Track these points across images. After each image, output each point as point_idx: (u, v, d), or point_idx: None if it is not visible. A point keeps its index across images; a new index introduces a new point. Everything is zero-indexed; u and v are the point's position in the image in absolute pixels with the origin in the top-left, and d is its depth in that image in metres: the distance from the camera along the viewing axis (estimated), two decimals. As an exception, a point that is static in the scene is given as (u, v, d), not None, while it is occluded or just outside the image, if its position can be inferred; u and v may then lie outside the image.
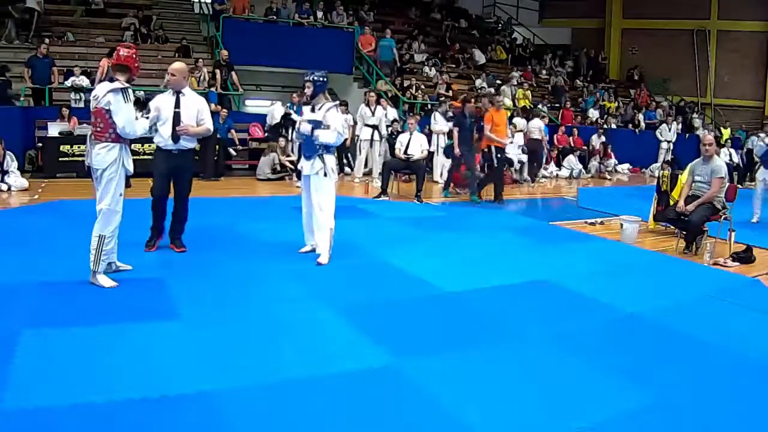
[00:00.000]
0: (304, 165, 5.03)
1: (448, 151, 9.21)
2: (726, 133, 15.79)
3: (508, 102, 14.26)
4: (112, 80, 4.02)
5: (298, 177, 9.77)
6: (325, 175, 4.93)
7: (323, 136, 4.87)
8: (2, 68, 9.94)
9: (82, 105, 10.02)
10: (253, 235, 5.80)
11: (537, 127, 12.16)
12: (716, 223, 6.15)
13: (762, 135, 8.70)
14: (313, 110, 5.00)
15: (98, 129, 3.99)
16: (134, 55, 4.13)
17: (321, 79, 4.99)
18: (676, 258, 5.89)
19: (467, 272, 4.86)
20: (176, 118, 4.76)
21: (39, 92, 10.30)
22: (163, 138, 4.79)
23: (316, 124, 4.91)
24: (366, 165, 11.10)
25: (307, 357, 3.11)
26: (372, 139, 10.63)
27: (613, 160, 14.28)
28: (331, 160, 5.00)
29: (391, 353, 3.21)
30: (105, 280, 4.03)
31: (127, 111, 3.98)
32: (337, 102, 5.16)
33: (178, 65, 4.89)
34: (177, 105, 4.78)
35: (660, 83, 18.83)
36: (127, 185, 4.23)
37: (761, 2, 17.86)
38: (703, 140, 6.25)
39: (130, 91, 4.03)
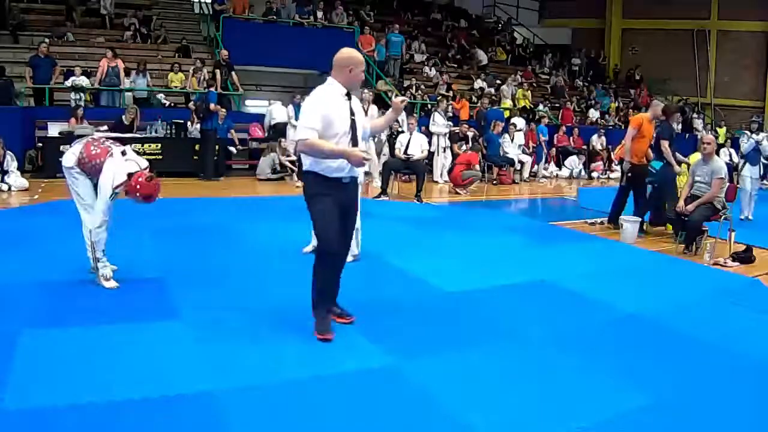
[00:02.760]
0: None
1: (664, 173, 6.82)
2: (722, 132, 15.80)
3: (509, 102, 14.27)
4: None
5: (300, 177, 9.83)
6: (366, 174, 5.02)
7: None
8: (1, 69, 9.95)
9: (82, 105, 10.04)
10: (253, 235, 5.80)
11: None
12: (716, 223, 6.15)
13: (747, 133, 8.71)
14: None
15: None
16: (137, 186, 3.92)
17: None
18: (676, 258, 5.89)
19: (467, 272, 4.85)
20: (354, 129, 3.30)
21: (39, 92, 10.31)
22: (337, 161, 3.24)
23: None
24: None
25: (307, 357, 3.11)
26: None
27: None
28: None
29: (391, 353, 3.21)
30: (108, 282, 4.04)
31: (104, 194, 3.88)
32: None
33: (355, 53, 3.40)
34: (352, 111, 3.32)
35: (660, 83, 18.83)
36: None
37: (761, 2, 17.85)
38: (703, 139, 6.29)
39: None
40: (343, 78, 3.31)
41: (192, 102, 10.88)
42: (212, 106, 9.65)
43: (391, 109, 3.54)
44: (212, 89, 10.14)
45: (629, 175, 6.93)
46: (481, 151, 10.79)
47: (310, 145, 3.16)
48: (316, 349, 3.22)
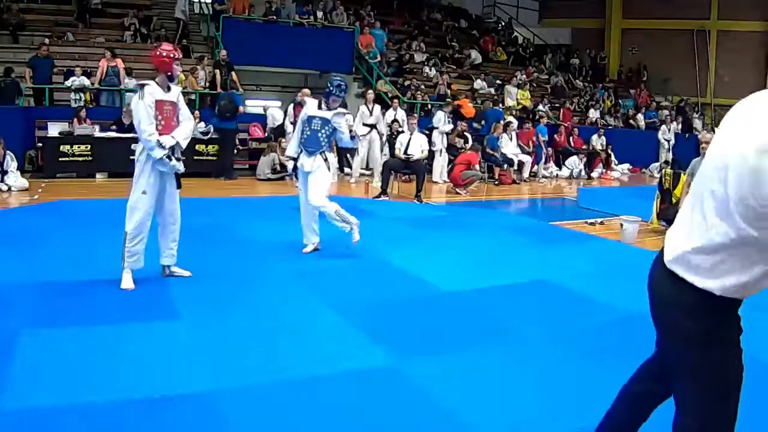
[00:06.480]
0: (305, 162, 5.04)
1: None
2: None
3: (511, 102, 14.28)
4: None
5: (297, 177, 9.83)
6: (328, 169, 5.04)
7: (343, 126, 5.02)
8: (7, 69, 9.96)
9: (82, 104, 10.05)
10: (253, 235, 5.80)
11: None
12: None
13: None
14: (320, 107, 5.03)
15: None
16: (158, 53, 4.10)
17: (344, 87, 5.08)
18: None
19: (467, 272, 4.85)
20: None
21: (39, 92, 10.31)
22: None
23: (324, 122, 4.97)
24: (367, 165, 11.07)
25: (307, 357, 3.11)
26: (371, 138, 10.59)
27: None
28: (331, 157, 5.16)
29: (391, 353, 3.21)
30: (125, 281, 4.04)
31: (135, 110, 4.00)
32: (348, 112, 5.31)
33: None
34: None
35: (660, 83, 18.83)
36: (178, 186, 4.21)
37: (761, 2, 17.84)
38: (702, 139, 6.27)
39: (145, 90, 3.98)
40: None
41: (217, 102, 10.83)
42: (241, 108, 9.94)
43: None
44: (234, 90, 10.30)
45: None
46: (481, 151, 10.79)
47: None
48: (316, 349, 3.22)
